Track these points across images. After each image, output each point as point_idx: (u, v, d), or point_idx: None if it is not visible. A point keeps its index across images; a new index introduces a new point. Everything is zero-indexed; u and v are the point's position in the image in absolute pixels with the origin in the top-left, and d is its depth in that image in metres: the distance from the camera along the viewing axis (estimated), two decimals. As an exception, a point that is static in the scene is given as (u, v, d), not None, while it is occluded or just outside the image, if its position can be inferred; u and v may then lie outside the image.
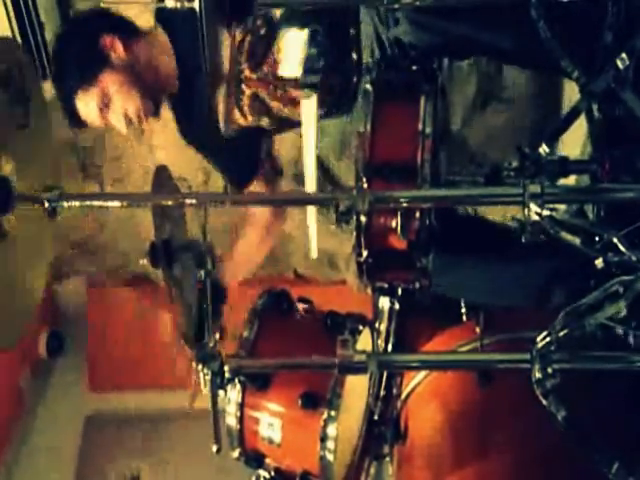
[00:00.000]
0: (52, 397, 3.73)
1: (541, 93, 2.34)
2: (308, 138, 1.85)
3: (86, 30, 2.08)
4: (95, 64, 2.03)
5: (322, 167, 2.29)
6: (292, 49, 1.97)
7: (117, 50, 2.05)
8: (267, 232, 2.29)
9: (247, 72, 2.08)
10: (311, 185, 1.86)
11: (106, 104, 2.06)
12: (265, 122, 2.15)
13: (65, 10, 2.95)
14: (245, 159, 2.25)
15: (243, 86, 2.09)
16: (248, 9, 2.00)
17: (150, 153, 2.79)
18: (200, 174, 3.04)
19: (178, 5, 1.30)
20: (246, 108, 2.12)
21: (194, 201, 1.36)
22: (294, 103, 2.07)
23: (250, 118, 2.14)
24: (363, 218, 1.64)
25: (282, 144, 2.77)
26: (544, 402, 1.34)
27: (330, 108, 2.12)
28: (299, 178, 2.89)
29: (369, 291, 2.16)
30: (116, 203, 1.34)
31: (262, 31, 2.07)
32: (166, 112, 2.20)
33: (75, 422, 3.81)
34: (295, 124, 2.17)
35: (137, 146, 3.13)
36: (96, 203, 1.34)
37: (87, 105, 2.06)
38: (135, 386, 3.80)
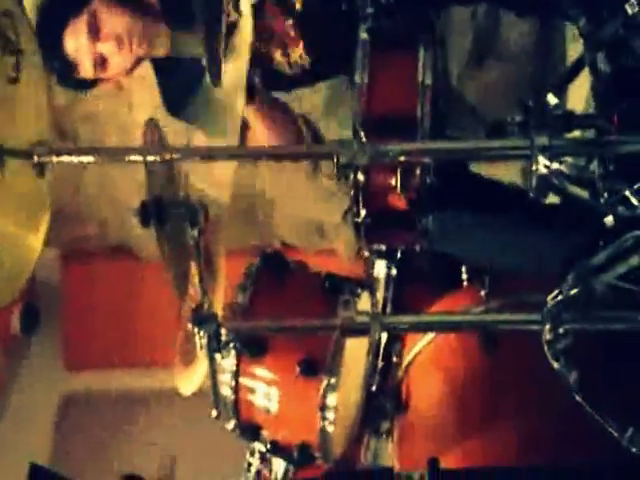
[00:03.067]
0: (26, 375, 3.64)
1: (542, 47, 2.29)
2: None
3: None
4: None
5: (309, 126, 2.22)
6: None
7: None
8: None
9: None
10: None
11: (96, 31, 1.99)
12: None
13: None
14: None
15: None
16: None
17: (129, 112, 2.72)
18: (181, 136, 2.96)
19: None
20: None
21: (179, 156, 1.32)
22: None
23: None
24: (361, 176, 1.57)
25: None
26: (555, 365, 1.30)
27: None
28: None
29: (361, 259, 2.10)
30: (103, 158, 1.35)
31: None
32: (145, 68, 2.11)
33: (50, 401, 3.72)
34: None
35: (115, 105, 3.03)
36: (85, 159, 1.29)
37: (77, 40, 2.00)
38: (112, 365, 3.71)
